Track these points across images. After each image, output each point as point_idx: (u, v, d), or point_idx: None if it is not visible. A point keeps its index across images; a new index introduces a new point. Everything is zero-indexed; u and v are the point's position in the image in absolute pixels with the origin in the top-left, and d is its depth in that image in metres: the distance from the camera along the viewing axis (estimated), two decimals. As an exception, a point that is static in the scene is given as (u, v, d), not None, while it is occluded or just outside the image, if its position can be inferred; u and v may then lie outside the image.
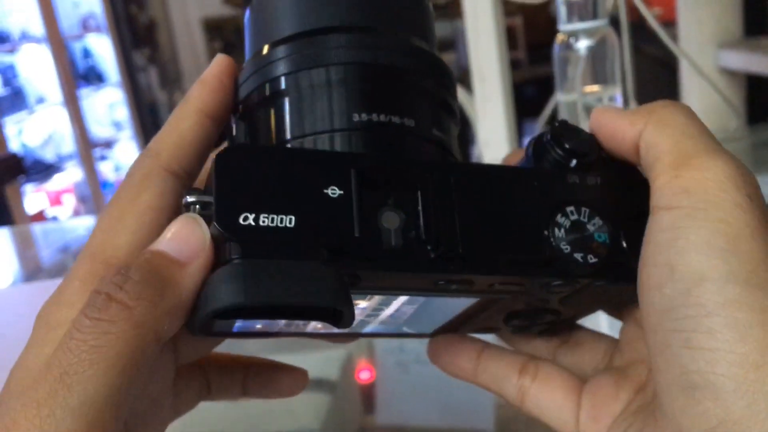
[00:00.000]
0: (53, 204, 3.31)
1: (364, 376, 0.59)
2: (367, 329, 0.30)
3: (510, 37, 2.33)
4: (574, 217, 0.25)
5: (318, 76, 0.25)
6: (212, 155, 0.23)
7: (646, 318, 0.22)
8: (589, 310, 0.31)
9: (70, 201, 3.38)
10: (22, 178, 2.94)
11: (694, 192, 0.22)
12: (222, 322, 0.23)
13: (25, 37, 3.35)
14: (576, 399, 0.29)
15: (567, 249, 0.24)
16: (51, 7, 3.39)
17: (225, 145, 0.28)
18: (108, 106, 3.91)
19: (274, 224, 0.21)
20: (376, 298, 0.26)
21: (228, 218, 0.21)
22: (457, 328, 0.31)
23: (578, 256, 0.24)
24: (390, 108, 0.25)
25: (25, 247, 1.13)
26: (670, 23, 1.25)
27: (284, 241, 0.21)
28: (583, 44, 0.55)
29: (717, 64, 1.16)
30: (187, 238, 0.22)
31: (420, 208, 0.23)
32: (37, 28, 3.36)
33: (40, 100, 3.42)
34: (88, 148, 3.56)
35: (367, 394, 0.59)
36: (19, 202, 2.90)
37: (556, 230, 0.24)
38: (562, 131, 0.26)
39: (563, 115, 0.57)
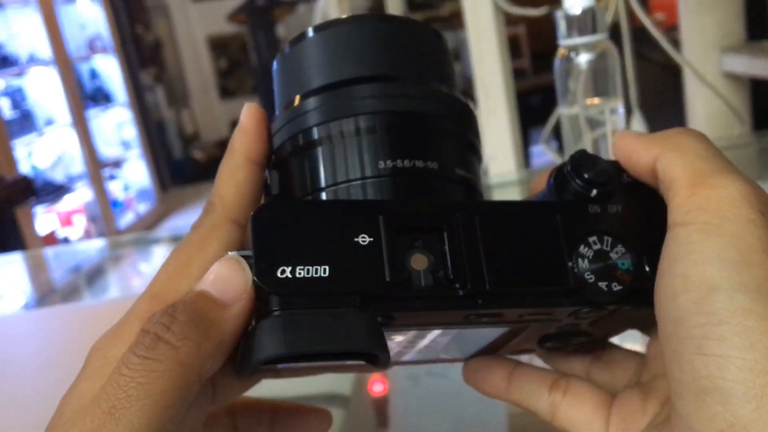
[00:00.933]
0: (64, 225, 3.33)
1: (377, 388, 0.60)
2: (406, 357, 0.32)
3: (514, 46, 2.33)
4: (597, 246, 0.25)
5: (347, 125, 0.27)
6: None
7: (662, 328, 0.23)
8: (619, 329, 0.32)
9: (80, 221, 3.41)
10: (32, 199, 2.96)
11: (708, 209, 0.23)
12: (268, 366, 0.24)
13: (32, 60, 3.39)
14: (606, 414, 0.29)
15: (591, 279, 0.25)
16: (58, 30, 3.42)
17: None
18: (116, 126, 3.95)
19: (310, 275, 0.23)
20: (412, 332, 0.27)
21: (267, 273, 0.23)
22: (492, 351, 0.32)
23: (602, 285, 0.25)
24: (413, 153, 0.26)
25: (37, 270, 1.14)
26: (673, 28, 1.25)
27: (320, 290, 0.23)
28: (583, 58, 0.56)
29: (720, 69, 1.16)
30: (230, 279, 0.23)
31: (446, 248, 0.24)
32: (45, 50, 3.40)
33: (49, 122, 3.46)
34: (98, 168, 3.59)
35: (380, 408, 0.59)
36: (30, 224, 2.92)
37: (580, 261, 0.25)
38: (581, 161, 0.27)
39: (565, 127, 0.58)
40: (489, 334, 0.28)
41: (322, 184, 0.27)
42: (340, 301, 0.23)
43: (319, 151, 0.27)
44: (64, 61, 3.44)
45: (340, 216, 0.24)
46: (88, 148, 3.53)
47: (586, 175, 0.26)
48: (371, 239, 0.23)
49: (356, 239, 0.23)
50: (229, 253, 0.24)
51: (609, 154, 0.62)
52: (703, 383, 0.21)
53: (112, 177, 3.84)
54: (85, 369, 0.25)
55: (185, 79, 4.33)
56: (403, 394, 0.58)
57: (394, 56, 0.28)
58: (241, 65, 4.32)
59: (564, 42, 0.56)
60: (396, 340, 0.28)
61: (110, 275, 1.06)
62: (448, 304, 0.24)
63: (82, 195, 3.52)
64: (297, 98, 0.28)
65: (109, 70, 3.89)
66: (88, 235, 3.38)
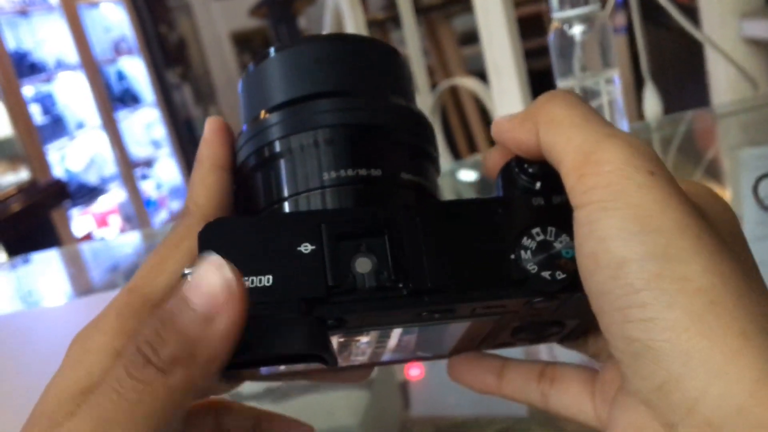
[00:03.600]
0: (100, 225, 3.39)
1: (414, 373, 0.60)
2: (385, 358, 0.32)
3: (536, 25, 2.30)
4: (540, 237, 0.26)
5: (299, 141, 0.28)
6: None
7: (592, 304, 0.24)
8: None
9: (116, 221, 3.46)
10: (67, 202, 3.02)
11: (598, 187, 0.23)
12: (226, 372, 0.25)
13: (60, 65, 3.45)
14: (591, 389, 0.30)
15: (534, 269, 0.26)
16: (83, 34, 3.47)
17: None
18: (145, 126, 4.00)
19: (254, 285, 0.24)
20: (374, 333, 0.28)
21: None
22: (470, 347, 0.32)
23: (546, 274, 0.26)
24: (356, 162, 0.28)
25: (75, 267, 1.16)
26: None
27: (264, 299, 0.24)
28: (577, 30, 0.55)
29: (740, 35, 1.14)
30: (211, 290, 0.23)
31: (388, 250, 0.25)
32: (72, 55, 3.45)
33: (80, 126, 3.51)
34: (129, 168, 3.64)
35: (406, 390, 0.60)
36: (66, 226, 2.98)
37: (522, 253, 0.26)
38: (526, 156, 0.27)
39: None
40: (455, 329, 0.29)
41: (274, 198, 0.28)
42: (283, 307, 0.24)
43: (280, 163, 0.28)
44: (90, 65, 3.49)
45: (283, 227, 0.25)
46: (119, 149, 3.59)
47: (530, 169, 0.27)
48: (313, 247, 0.25)
49: (299, 248, 0.25)
50: (185, 270, 0.25)
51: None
52: (635, 347, 0.22)
53: (144, 176, 3.90)
54: (66, 359, 0.26)
55: (211, 75, 4.36)
56: (425, 375, 0.58)
57: (348, 73, 0.29)
58: (265, 59, 4.33)
59: (557, 15, 0.55)
60: (363, 341, 0.29)
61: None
62: (393, 303, 0.25)
63: (116, 196, 3.58)
64: (253, 117, 0.29)
65: (136, 71, 3.94)
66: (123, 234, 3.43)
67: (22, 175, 2.94)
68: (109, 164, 3.63)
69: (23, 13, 3.33)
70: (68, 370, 0.26)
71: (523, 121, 0.26)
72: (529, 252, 0.26)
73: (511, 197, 0.27)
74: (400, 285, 0.25)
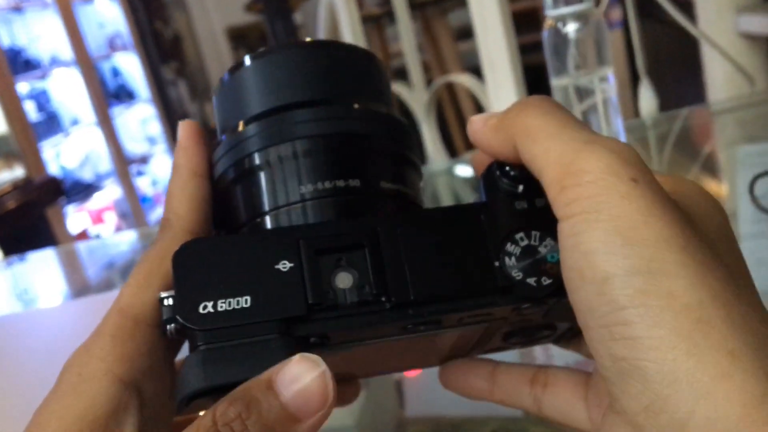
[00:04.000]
0: (95, 222, 3.38)
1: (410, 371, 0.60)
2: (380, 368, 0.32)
3: (532, 20, 2.30)
4: (525, 242, 0.25)
5: (275, 153, 0.27)
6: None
7: (578, 318, 0.23)
8: None
9: (111, 218, 3.46)
10: (62, 199, 3.01)
11: (581, 198, 0.22)
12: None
13: (55, 61, 3.43)
14: (584, 394, 0.29)
15: (519, 276, 0.25)
16: (77, 30, 3.46)
17: None
18: (140, 122, 3.98)
19: (231, 307, 0.23)
20: (362, 347, 0.27)
21: (189, 311, 0.23)
22: (461, 353, 0.32)
23: (531, 281, 0.25)
24: (333, 174, 0.27)
25: (71, 266, 1.16)
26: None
27: (242, 321, 0.23)
28: (571, 28, 0.55)
29: (737, 29, 1.13)
30: (313, 396, 0.22)
31: (368, 264, 0.24)
32: (66, 51, 3.44)
33: (75, 122, 3.50)
34: (125, 165, 3.63)
35: (402, 388, 0.59)
36: (62, 223, 2.98)
37: (507, 259, 0.25)
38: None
39: (557, 100, 0.57)
40: (444, 338, 0.28)
41: (252, 213, 0.27)
42: (261, 328, 0.23)
43: (260, 176, 0.27)
44: (85, 61, 3.48)
45: (260, 246, 0.24)
46: (115, 145, 3.57)
47: (512, 173, 0.26)
48: (292, 264, 0.24)
49: (277, 266, 0.24)
50: (161, 293, 0.25)
51: (600, 123, 0.61)
52: (621, 365, 0.21)
53: (139, 173, 3.89)
54: (60, 385, 0.25)
55: (206, 71, 4.35)
56: (420, 374, 0.58)
57: (325, 80, 0.29)
58: (260, 54, 4.33)
59: (550, 12, 0.55)
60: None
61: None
62: (376, 318, 0.24)
63: (111, 192, 3.57)
64: (231, 128, 0.29)
65: (131, 67, 3.92)
66: (119, 231, 3.43)
67: (17, 172, 2.93)
68: (104, 161, 3.61)
69: (17, 9, 3.32)
70: (68, 398, 0.25)
71: (497, 130, 0.26)
72: (513, 258, 0.25)
73: (494, 202, 0.26)
74: (383, 299, 0.24)
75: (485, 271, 0.25)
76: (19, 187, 2.60)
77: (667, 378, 0.20)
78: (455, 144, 1.72)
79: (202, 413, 0.28)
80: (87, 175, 3.54)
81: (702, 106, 1.06)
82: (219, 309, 0.23)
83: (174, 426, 0.28)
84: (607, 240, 0.21)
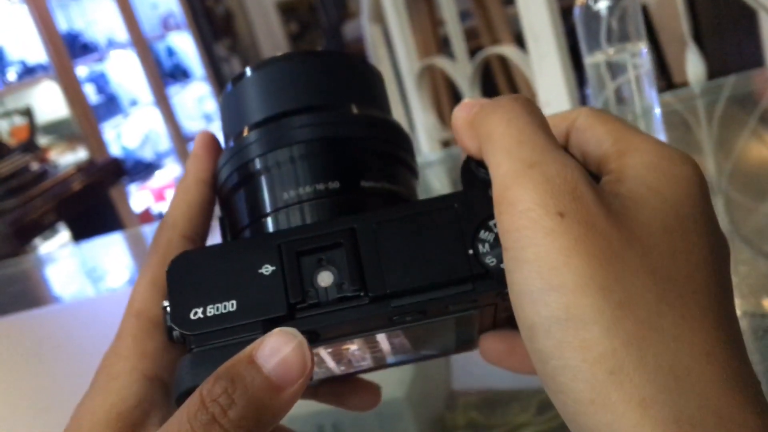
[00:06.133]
0: (157, 200, 3.46)
1: None
2: (391, 360, 0.33)
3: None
4: (497, 229, 0.25)
5: (265, 162, 0.29)
6: None
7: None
8: None
9: (172, 196, 3.53)
10: (125, 179, 3.09)
11: (512, 231, 0.22)
12: None
13: (111, 44, 3.50)
14: None
15: (493, 262, 0.25)
16: (131, 12, 3.51)
17: None
18: (196, 101, 4.04)
19: (219, 312, 0.25)
20: (358, 339, 0.28)
21: (181, 317, 0.25)
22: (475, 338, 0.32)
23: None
24: (311, 178, 0.28)
25: (137, 248, 1.20)
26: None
27: (228, 323, 0.25)
28: (603, 4, 0.53)
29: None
30: (292, 365, 0.23)
31: (345, 261, 0.26)
32: (122, 34, 3.50)
33: (133, 103, 3.58)
34: (183, 143, 3.70)
35: (451, 362, 0.60)
36: (125, 203, 3.06)
37: (480, 246, 0.25)
38: None
39: (590, 76, 0.55)
40: (446, 326, 0.28)
41: (253, 216, 0.29)
42: (247, 329, 0.25)
43: (257, 181, 0.29)
44: (140, 42, 3.54)
45: (244, 253, 0.26)
46: (172, 124, 3.64)
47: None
48: (273, 268, 0.25)
49: (260, 270, 0.25)
50: (164, 302, 0.26)
51: (634, 100, 0.59)
52: (559, 410, 0.21)
53: (197, 150, 3.95)
54: (93, 385, 0.28)
55: (258, 46, 4.37)
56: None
57: (314, 88, 0.30)
58: (311, 28, 4.33)
59: (581, -12, 0.54)
60: (352, 349, 0.29)
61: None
62: (356, 312, 0.25)
63: (171, 170, 3.64)
64: (231, 140, 0.30)
65: (185, 46, 3.97)
66: (180, 208, 3.50)
67: (81, 154, 3.01)
68: (163, 140, 3.69)
69: (73, -6, 3.38)
70: (98, 395, 0.27)
71: (469, 127, 0.25)
72: (486, 245, 0.25)
73: (470, 190, 0.27)
74: (361, 294, 0.25)
75: (459, 260, 0.25)
76: (83, 169, 2.68)
77: (591, 431, 0.20)
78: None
79: None
80: (147, 155, 3.62)
81: (758, 71, 1.01)
82: (208, 314, 0.25)
83: None
84: (531, 284, 0.21)
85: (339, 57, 0.31)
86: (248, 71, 0.31)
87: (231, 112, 0.31)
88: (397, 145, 0.30)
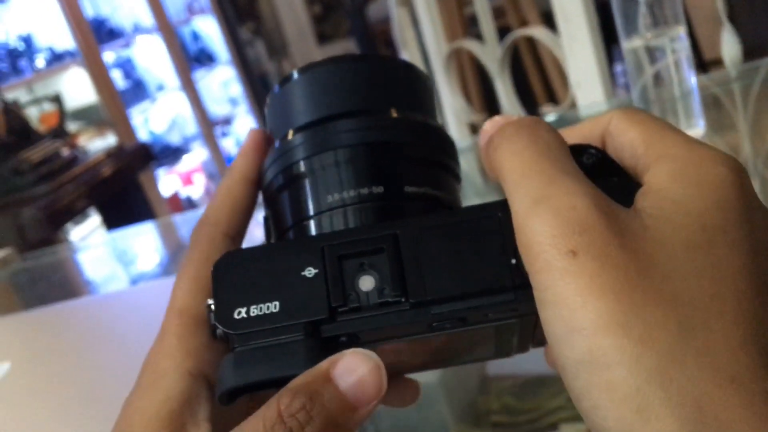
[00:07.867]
0: (185, 184, 3.49)
1: None
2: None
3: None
4: None
5: (307, 166, 0.29)
6: None
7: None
8: None
9: (200, 180, 3.56)
10: (153, 164, 3.12)
11: (532, 272, 0.22)
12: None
13: (137, 29, 3.52)
14: None
15: None
16: (157, -3, 3.53)
17: None
18: (222, 85, 4.06)
19: (262, 312, 0.26)
20: (395, 342, 0.28)
21: (225, 316, 0.26)
22: (524, 346, 0.32)
23: None
24: (356, 182, 0.28)
25: (168, 237, 1.21)
26: None
27: (271, 325, 0.25)
28: (640, -12, 0.52)
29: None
30: (369, 386, 0.24)
31: (387, 266, 0.26)
32: (147, 19, 3.51)
33: (160, 88, 3.60)
34: (210, 127, 3.72)
35: None
36: (154, 187, 3.09)
37: None
38: None
39: (628, 62, 0.55)
40: (486, 333, 0.28)
41: (298, 217, 0.29)
42: (289, 331, 0.25)
43: (304, 183, 0.29)
44: (166, 27, 3.55)
45: (287, 255, 0.26)
46: (199, 108, 3.66)
47: None
48: (316, 270, 0.26)
49: (303, 273, 0.26)
50: (209, 300, 0.27)
51: (674, 85, 0.58)
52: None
53: (224, 134, 3.98)
54: (139, 383, 0.28)
55: (282, 29, 4.37)
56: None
57: (362, 92, 0.30)
58: (334, 9, 4.31)
59: (618, -28, 0.53)
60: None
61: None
62: (396, 317, 0.25)
63: (198, 155, 3.67)
64: (277, 141, 0.31)
65: (209, 30, 3.98)
66: (208, 192, 3.53)
67: (110, 140, 3.04)
68: (190, 124, 3.71)
69: (99, -20, 3.40)
70: (146, 393, 0.28)
71: (486, 149, 0.26)
72: None
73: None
74: (402, 299, 0.25)
75: (501, 269, 0.25)
76: (112, 154, 2.70)
77: None
78: (535, 95, 1.68)
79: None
80: (175, 139, 3.65)
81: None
82: (251, 314, 0.26)
83: (246, 410, 0.30)
84: (555, 326, 0.21)
85: (383, 61, 0.32)
86: (295, 74, 0.31)
87: (277, 114, 0.32)
88: (440, 150, 0.30)
